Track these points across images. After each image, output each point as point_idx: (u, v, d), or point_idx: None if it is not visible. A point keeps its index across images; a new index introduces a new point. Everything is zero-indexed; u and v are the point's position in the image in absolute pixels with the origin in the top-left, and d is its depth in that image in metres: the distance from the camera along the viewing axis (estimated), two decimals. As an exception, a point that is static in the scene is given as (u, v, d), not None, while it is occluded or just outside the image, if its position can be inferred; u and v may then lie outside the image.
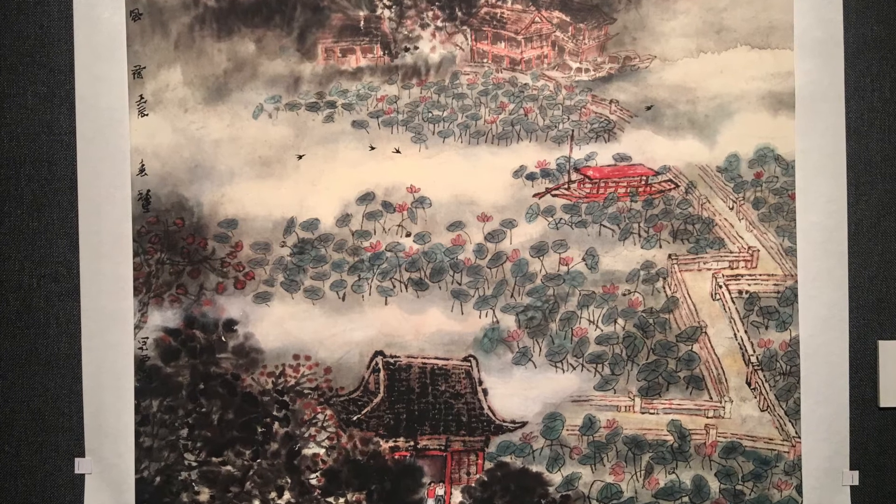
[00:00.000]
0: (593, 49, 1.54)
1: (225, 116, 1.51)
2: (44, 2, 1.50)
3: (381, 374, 1.50)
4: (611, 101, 1.53)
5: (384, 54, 1.54)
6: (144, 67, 1.50)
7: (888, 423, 1.52)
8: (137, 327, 1.50)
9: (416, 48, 1.53)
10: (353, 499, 1.50)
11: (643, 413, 1.51)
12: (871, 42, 1.52)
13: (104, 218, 1.49)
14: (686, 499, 1.50)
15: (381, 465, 1.50)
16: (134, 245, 1.50)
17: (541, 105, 1.54)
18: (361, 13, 1.53)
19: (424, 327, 1.51)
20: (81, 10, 1.48)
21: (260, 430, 1.51)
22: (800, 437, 1.49)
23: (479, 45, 1.55)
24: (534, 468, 1.50)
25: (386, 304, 1.51)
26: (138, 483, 1.49)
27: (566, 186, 1.53)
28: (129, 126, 1.50)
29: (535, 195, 1.53)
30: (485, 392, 1.51)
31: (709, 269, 1.52)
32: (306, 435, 1.50)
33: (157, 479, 1.49)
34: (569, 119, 1.53)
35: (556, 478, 1.50)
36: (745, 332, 1.51)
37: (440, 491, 1.51)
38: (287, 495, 1.50)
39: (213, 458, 1.50)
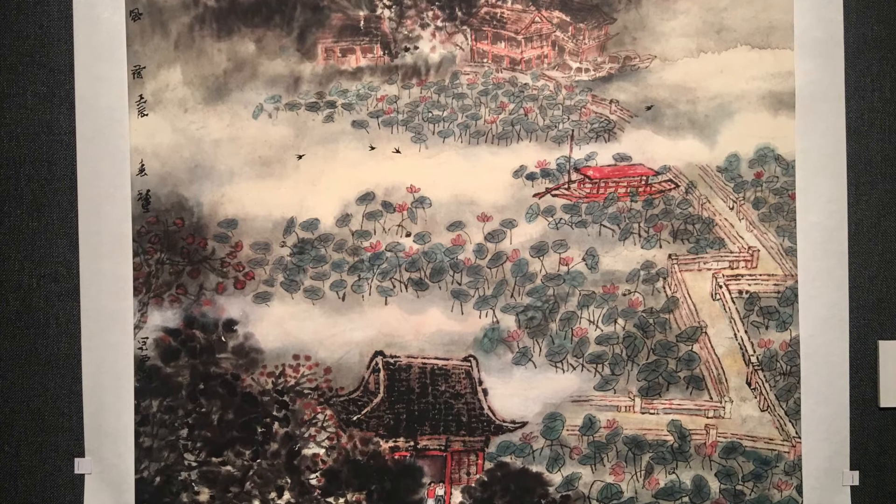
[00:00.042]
0: (593, 49, 1.54)
1: (225, 116, 1.51)
2: (44, 2, 1.50)
3: (381, 374, 1.50)
4: (611, 101, 1.53)
5: (384, 54, 1.54)
6: (144, 67, 1.50)
7: (888, 424, 1.52)
8: (137, 327, 1.50)
9: (416, 48, 1.53)
10: (353, 499, 1.50)
11: (643, 413, 1.51)
12: (872, 42, 1.52)
13: (104, 218, 1.49)
14: (686, 499, 1.50)
15: (381, 465, 1.50)
16: (134, 245, 1.50)
17: (541, 105, 1.54)
18: (361, 13, 1.53)
19: (424, 327, 1.51)
20: (81, 9, 1.48)
21: (260, 430, 1.50)
22: (800, 438, 1.49)
23: (479, 44, 1.55)
24: (534, 468, 1.50)
25: (386, 304, 1.51)
26: (138, 483, 1.49)
27: (566, 186, 1.53)
28: (128, 126, 1.50)
29: (535, 195, 1.52)
30: (485, 392, 1.50)
31: (709, 269, 1.52)
32: (306, 435, 1.50)
33: (157, 479, 1.49)
34: (569, 119, 1.53)
35: (556, 478, 1.50)
36: (746, 332, 1.51)
37: (440, 491, 1.51)
38: (287, 495, 1.50)
39: (213, 459, 1.50)
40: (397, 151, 1.53)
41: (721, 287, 1.51)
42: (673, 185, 1.53)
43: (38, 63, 1.51)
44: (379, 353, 1.50)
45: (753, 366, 1.51)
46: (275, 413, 1.51)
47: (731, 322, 1.51)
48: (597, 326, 1.52)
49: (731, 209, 1.53)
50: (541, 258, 1.53)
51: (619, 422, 1.51)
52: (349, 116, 1.53)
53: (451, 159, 1.52)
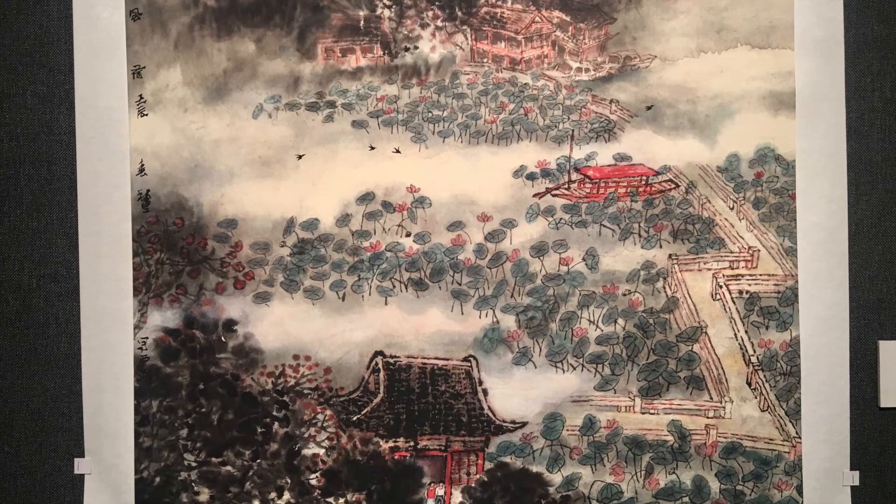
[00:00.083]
0: (593, 49, 1.54)
1: (225, 116, 1.51)
2: (43, 1, 1.50)
3: (381, 374, 1.50)
4: (611, 101, 1.53)
5: (384, 54, 1.54)
6: (144, 67, 1.50)
7: (888, 424, 1.52)
8: (137, 327, 1.49)
9: (416, 48, 1.53)
10: (353, 499, 1.50)
11: (643, 413, 1.51)
12: (872, 41, 1.52)
13: (104, 218, 1.49)
14: (686, 499, 1.50)
15: (381, 465, 1.50)
16: (133, 245, 1.50)
17: (541, 105, 1.54)
18: (361, 13, 1.53)
19: (424, 327, 1.51)
20: (81, 9, 1.48)
21: (260, 430, 1.50)
22: (800, 438, 1.49)
23: (479, 44, 1.55)
24: (534, 468, 1.50)
25: (386, 304, 1.51)
26: (138, 483, 1.49)
27: (566, 186, 1.53)
28: (128, 126, 1.49)
29: (535, 195, 1.52)
30: (485, 392, 1.50)
31: (709, 269, 1.52)
32: (306, 435, 1.50)
33: (157, 479, 1.49)
34: (569, 119, 1.53)
35: (557, 478, 1.50)
36: (746, 332, 1.51)
37: (440, 491, 1.51)
38: (287, 495, 1.50)
39: (213, 459, 1.50)
40: (397, 151, 1.52)
41: (721, 287, 1.51)
42: (673, 185, 1.52)
43: (38, 63, 1.51)
44: (379, 353, 1.50)
45: (754, 366, 1.50)
46: (275, 413, 1.50)
47: (731, 322, 1.51)
48: (597, 326, 1.52)
49: (732, 209, 1.52)
50: (541, 258, 1.52)
51: (620, 422, 1.51)
52: (349, 116, 1.53)
53: (451, 159, 1.52)
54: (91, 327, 1.49)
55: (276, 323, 1.50)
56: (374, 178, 1.52)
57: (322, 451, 1.50)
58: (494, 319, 1.51)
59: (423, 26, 1.53)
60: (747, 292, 1.51)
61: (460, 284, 1.52)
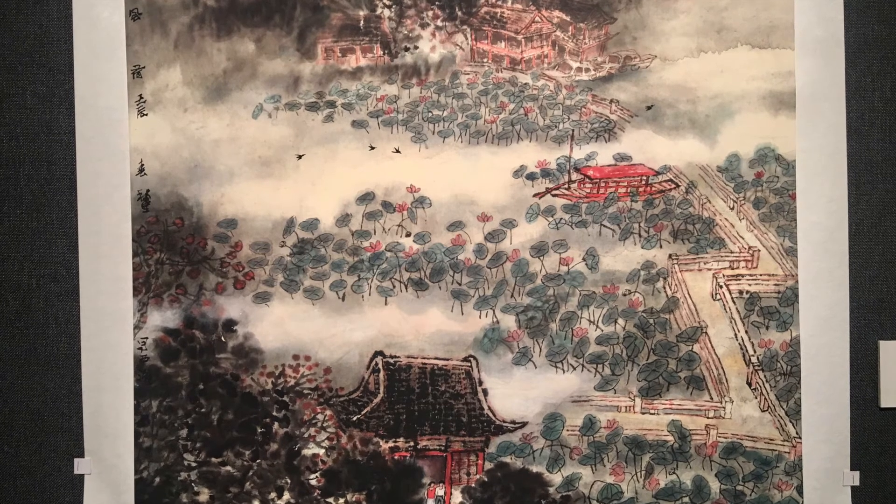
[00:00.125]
0: (593, 49, 1.54)
1: (224, 116, 1.51)
2: (43, 1, 1.50)
3: (381, 374, 1.50)
4: (611, 101, 1.53)
5: (384, 54, 1.53)
6: (144, 67, 1.50)
7: (889, 424, 1.52)
8: (137, 327, 1.49)
9: (416, 48, 1.53)
10: (353, 499, 1.50)
11: (643, 413, 1.51)
12: (872, 41, 1.52)
13: (103, 218, 1.49)
14: (686, 499, 1.50)
15: (380, 465, 1.50)
16: (133, 245, 1.50)
17: (541, 105, 1.54)
18: (361, 13, 1.53)
19: (424, 327, 1.51)
20: (81, 9, 1.48)
21: (259, 430, 1.50)
22: (800, 438, 1.49)
23: (479, 44, 1.55)
24: (534, 469, 1.50)
25: (386, 304, 1.51)
26: (138, 483, 1.49)
27: (566, 186, 1.53)
28: (128, 126, 1.49)
29: (535, 195, 1.52)
30: (485, 392, 1.50)
31: (709, 269, 1.52)
32: (306, 435, 1.50)
33: (157, 479, 1.49)
34: (569, 119, 1.53)
35: (557, 478, 1.50)
36: (746, 332, 1.51)
37: (440, 491, 1.51)
38: (287, 496, 1.50)
39: (213, 459, 1.50)
40: (397, 151, 1.52)
41: (721, 287, 1.51)
42: (673, 185, 1.52)
43: (38, 63, 1.50)
44: (379, 353, 1.50)
45: (754, 366, 1.50)
46: (274, 413, 1.50)
47: (731, 322, 1.51)
48: (597, 326, 1.52)
49: (732, 209, 1.52)
50: (541, 258, 1.52)
51: (620, 422, 1.51)
52: (349, 116, 1.53)
53: (451, 159, 1.52)
54: (91, 327, 1.49)
55: (276, 323, 1.50)
56: (374, 178, 1.52)
57: (322, 452, 1.50)
58: (494, 319, 1.51)
59: (423, 26, 1.53)
60: (747, 292, 1.51)
61: (460, 284, 1.52)
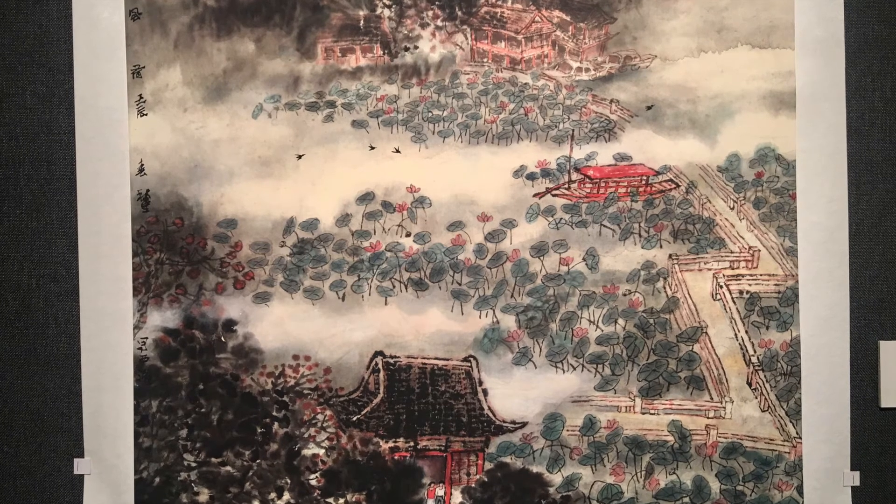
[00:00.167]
0: (594, 48, 1.54)
1: (224, 116, 1.51)
2: (43, 1, 1.50)
3: (381, 374, 1.50)
4: (611, 101, 1.53)
5: (384, 54, 1.53)
6: (144, 67, 1.50)
7: (889, 424, 1.52)
8: (137, 327, 1.49)
9: (416, 48, 1.53)
10: (353, 499, 1.50)
11: (644, 413, 1.51)
12: (873, 41, 1.52)
13: (103, 218, 1.49)
14: (686, 499, 1.50)
15: (380, 465, 1.50)
16: (133, 245, 1.50)
17: (541, 105, 1.54)
18: (361, 13, 1.53)
19: (424, 327, 1.51)
20: (80, 9, 1.48)
21: (259, 430, 1.50)
22: (801, 438, 1.49)
23: (479, 44, 1.55)
24: (534, 469, 1.50)
25: (386, 304, 1.51)
26: (137, 483, 1.49)
27: (566, 186, 1.53)
28: (128, 126, 1.49)
29: (535, 195, 1.52)
30: (485, 392, 1.50)
31: (709, 270, 1.52)
32: (306, 435, 1.50)
33: (157, 479, 1.49)
34: (569, 119, 1.53)
35: (557, 478, 1.50)
36: (746, 332, 1.51)
37: (440, 491, 1.51)
38: (287, 496, 1.50)
39: (213, 459, 1.50)
40: (397, 151, 1.52)
41: (721, 287, 1.51)
42: (673, 185, 1.52)
43: (38, 63, 1.50)
44: (379, 353, 1.50)
45: (754, 366, 1.50)
46: (274, 413, 1.50)
47: (731, 322, 1.51)
48: (597, 326, 1.52)
49: (732, 209, 1.52)
50: (541, 258, 1.52)
51: (620, 422, 1.51)
52: (349, 116, 1.53)
53: (451, 159, 1.52)
54: (91, 327, 1.49)
55: (276, 323, 1.50)
56: (374, 178, 1.52)
57: (322, 452, 1.50)
58: (494, 319, 1.51)
59: (423, 26, 1.53)
60: (748, 292, 1.51)
61: (460, 284, 1.52)
